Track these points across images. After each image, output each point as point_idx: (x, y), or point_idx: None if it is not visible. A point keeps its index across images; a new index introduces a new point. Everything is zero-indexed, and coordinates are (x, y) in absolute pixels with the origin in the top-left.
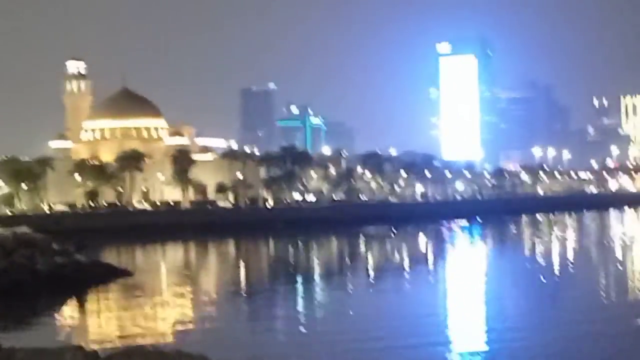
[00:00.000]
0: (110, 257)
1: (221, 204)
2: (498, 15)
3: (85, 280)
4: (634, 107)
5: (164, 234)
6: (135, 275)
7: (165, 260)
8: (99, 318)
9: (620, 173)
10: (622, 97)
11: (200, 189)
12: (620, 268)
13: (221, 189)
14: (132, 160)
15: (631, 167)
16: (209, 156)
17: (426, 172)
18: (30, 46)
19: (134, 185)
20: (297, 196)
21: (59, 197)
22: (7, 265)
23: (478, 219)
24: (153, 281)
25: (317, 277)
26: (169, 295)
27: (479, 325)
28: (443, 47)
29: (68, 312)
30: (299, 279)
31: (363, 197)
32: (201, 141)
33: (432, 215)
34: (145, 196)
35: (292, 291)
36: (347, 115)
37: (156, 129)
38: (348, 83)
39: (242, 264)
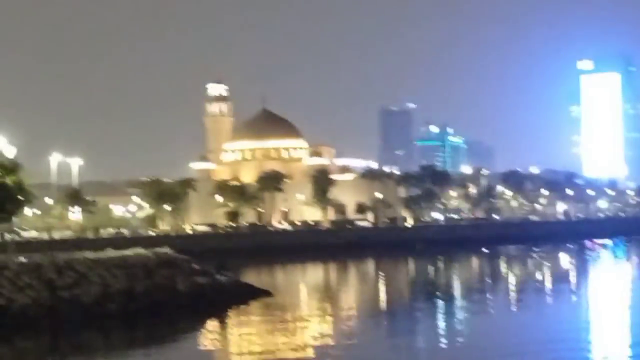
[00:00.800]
0: (251, 277)
1: (361, 223)
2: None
3: (225, 300)
4: None
5: (304, 254)
6: (276, 295)
7: (306, 280)
8: (239, 338)
9: None
10: None
11: (340, 208)
12: None
13: (360, 208)
14: (272, 181)
15: None
16: (348, 176)
17: (567, 190)
18: (173, 69)
19: (274, 205)
20: (436, 215)
21: (201, 217)
22: (148, 285)
23: (622, 237)
24: (293, 301)
25: (457, 296)
26: (309, 315)
27: (623, 345)
28: (584, 64)
29: (209, 333)
30: (439, 298)
31: (497, 216)
32: (341, 161)
33: (574, 234)
34: (285, 216)
35: (432, 310)
36: (487, 134)
37: (296, 149)
38: (487, 101)
39: (382, 284)
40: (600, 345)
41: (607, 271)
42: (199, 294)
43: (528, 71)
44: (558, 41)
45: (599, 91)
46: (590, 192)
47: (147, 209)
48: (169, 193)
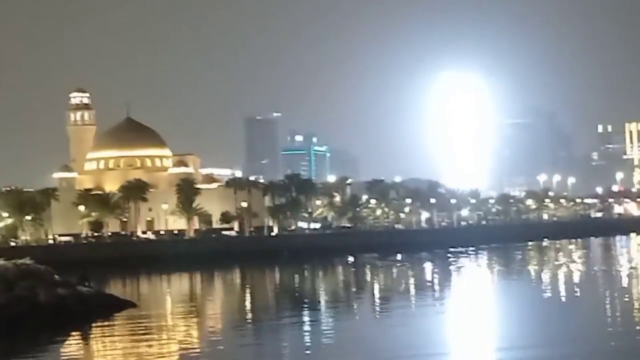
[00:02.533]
0: (115, 288)
1: (226, 233)
2: (501, 43)
3: (88, 312)
4: (639, 132)
5: (169, 264)
6: (140, 306)
7: (171, 291)
8: (102, 350)
9: (626, 199)
10: (626, 123)
11: (205, 218)
12: (625, 294)
13: (226, 218)
14: (136, 190)
15: (636, 192)
16: (213, 185)
17: (431, 199)
18: (34, 78)
19: (139, 215)
20: (302, 224)
21: (64, 228)
22: (8, 297)
23: (483, 245)
24: (158, 312)
25: (322, 304)
26: (174, 325)
27: (486, 346)
28: (447, 74)
29: (71, 346)
30: (305, 307)
31: (362, 225)
32: (206, 171)
33: (438, 242)
34: (150, 226)
35: (297, 318)
36: (352, 144)
37: (160, 158)
38: (352, 111)
39: (248, 293)
40: (463, 352)
41: (470, 279)
42: (62, 306)
43: (393, 81)
44: (423, 52)
45: (461, 101)
46: (453, 201)
47: (7, 219)
48: (29, 203)
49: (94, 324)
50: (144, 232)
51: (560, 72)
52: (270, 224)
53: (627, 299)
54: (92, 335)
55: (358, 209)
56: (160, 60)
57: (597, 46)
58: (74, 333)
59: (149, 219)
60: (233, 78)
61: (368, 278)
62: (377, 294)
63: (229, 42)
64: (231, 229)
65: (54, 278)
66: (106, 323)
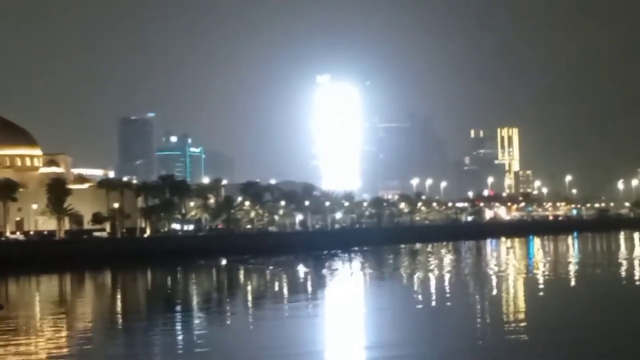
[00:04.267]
0: None
1: (98, 234)
2: (376, 48)
3: None
4: (509, 138)
5: (39, 265)
6: (8, 308)
7: (40, 292)
8: None
9: (496, 203)
10: (498, 129)
11: (76, 219)
12: (494, 295)
13: (98, 219)
14: (5, 190)
15: (506, 196)
16: (85, 186)
17: (305, 201)
18: None
19: (8, 215)
20: (175, 226)
21: None
22: None
23: (357, 248)
24: (26, 314)
25: (195, 306)
26: (41, 328)
27: (357, 346)
28: (323, 78)
29: None
30: (177, 310)
31: (236, 227)
32: (78, 171)
33: (312, 245)
34: (19, 226)
35: (169, 319)
36: (227, 145)
37: (31, 157)
38: (228, 113)
39: (119, 296)
40: (334, 351)
41: (343, 281)
42: None
43: (270, 85)
44: (298, 56)
45: (335, 105)
46: (327, 203)
47: None
48: None
49: None
50: (12, 233)
51: (435, 78)
52: (143, 225)
53: (495, 300)
54: None
55: (232, 211)
56: (32, 57)
57: (472, 53)
58: None
59: (18, 219)
60: (107, 77)
61: (241, 280)
62: (250, 296)
63: (104, 41)
64: (103, 230)
65: None
66: None
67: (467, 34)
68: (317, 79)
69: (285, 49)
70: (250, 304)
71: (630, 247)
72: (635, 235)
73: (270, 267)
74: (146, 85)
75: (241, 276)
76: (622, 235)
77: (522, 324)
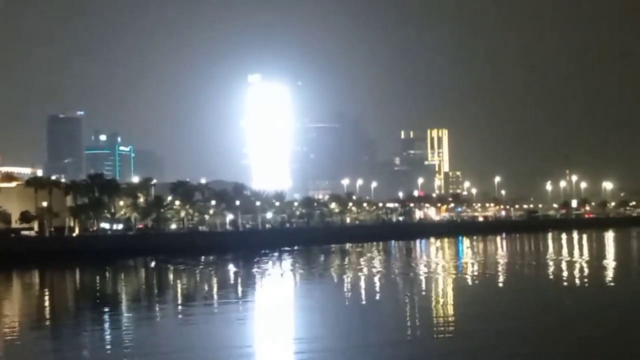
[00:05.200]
0: None
1: (25, 233)
2: (308, 48)
3: None
4: (439, 139)
5: None
6: None
7: None
8: None
9: (426, 204)
10: (428, 130)
11: (4, 217)
12: (422, 293)
13: (25, 217)
14: None
15: (436, 197)
16: (12, 184)
17: (236, 201)
18: None
19: None
20: (105, 225)
21: None
22: None
23: (287, 248)
24: None
25: (124, 306)
26: None
27: (287, 345)
28: (254, 78)
29: None
30: (106, 310)
31: (166, 226)
32: (5, 169)
33: (242, 245)
34: None
35: (98, 319)
36: (157, 144)
37: None
38: (158, 112)
39: (47, 295)
40: (263, 350)
41: (273, 281)
42: None
43: (201, 84)
44: (230, 55)
45: (266, 104)
46: (258, 203)
47: None
48: None
49: None
50: None
51: (366, 79)
52: (72, 224)
53: (423, 299)
54: None
55: (162, 210)
56: None
57: (402, 54)
58: None
59: None
60: (36, 74)
61: (170, 280)
62: (179, 296)
63: (32, 38)
64: (31, 229)
65: None
66: None
67: (398, 36)
68: (248, 78)
69: (216, 48)
70: (179, 304)
71: (558, 248)
72: (563, 236)
73: (200, 267)
74: (75, 84)
75: (170, 276)
76: (549, 236)
77: (450, 322)
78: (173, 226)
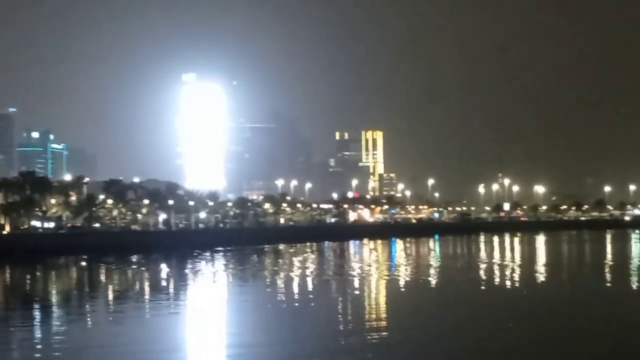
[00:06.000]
0: None
1: None
2: (243, 48)
3: None
4: (374, 141)
5: None
6: None
7: None
8: None
9: (360, 205)
10: (363, 131)
11: None
12: (356, 296)
13: None
14: None
15: (370, 198)
16: None
17: (169, 200)
18: None
19: None
20: (35, 223)
21: None
22: None
23: (220, 248)
24: None
25: (54, 305)
26: None
27: (218, 345)
28: (189, 77)
29: None
30: (36, 309)
31: (99, 225)
32: None
33: (175, 244)
34: None
35: (28, 321)
36: (90, 142)
37: None
38: (91, 110)
39: None
40: (194, 351)
41: (205, 281)
42: None
43: (135, 83)
44: (165, 53)
45: (201, 103)
46: (191, 203)
47: None
48: None
49: None
50: None
51: (302, 79)
52: (3, 222)
53: (357, 300)
54: None
55: (94, 209)
56: None
57: (338, 56)
58: None
59: None
60: None
61: (102, 278)
62: (110, 295)
63: None
64: None
65: None
66: None
67: (334, 36)
68: (183, 77)
69: (151, 46)
70: (109, 302)
71: (490, 250)
72: (495, 238)
73: (132, 266)
74: (7, 80)
75: (102, 275)
76: (482, 238)
77: (383, 323)
78: (97, 225)
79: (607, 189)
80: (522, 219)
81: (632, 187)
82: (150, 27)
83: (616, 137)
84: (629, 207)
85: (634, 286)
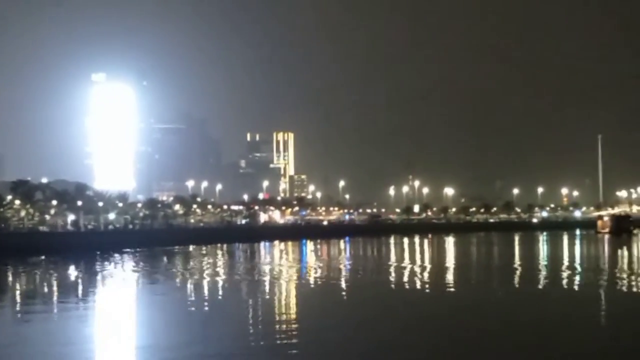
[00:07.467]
0: None
1: None
2: (153, 48)
3: None
4: (285, 142)
5: None
6: None
7: None
8: None
9: (271, 206)
10: (274, 133)
11: None
12: (266, 297)
13: None
14: None
15: (281, 200)
16: None
17: (78, 201)
18: None
19: None
20: None
21: None
22: None
23: (130, 249)
24: None
25: None
26: None
27: (128, 344)
28: (98, 77)
29: None
30: None
31: (4, 226)
32: None
33: (84, 246)
34: None
35: None
36: None
37: None
38: None
39: None
40: (104, 353)
41: (114, 283)
42: None
43: (43, 82)
44: (73, 53)
45: (110, 103)
46: (100, 204)
47: None
48: None
49: None
50: None
51: (213, 80)
52: None
53: (267, 302)
54: None
55: (1, 210)
56: None
57: (249, 56)
58: None
59: None
60: None
61: (8, 280)
62: (16, 296)
63: None
64: None
65: None
66: None
67: (246, 36)
68: (92, 77)
69: (59, 45)
70: (15, 303)
71: (400, 251)
72: (405, 240)
73: (39, 267)
74: None
75: (8, 276)
76: (392, 240)
77: (294, 325)
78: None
79: (516, 191)
80: (434, 220)
81: (540, 190)
82: (59, 26)
83: (525, 140)
84: (536, 209)
85: (540, 287)
